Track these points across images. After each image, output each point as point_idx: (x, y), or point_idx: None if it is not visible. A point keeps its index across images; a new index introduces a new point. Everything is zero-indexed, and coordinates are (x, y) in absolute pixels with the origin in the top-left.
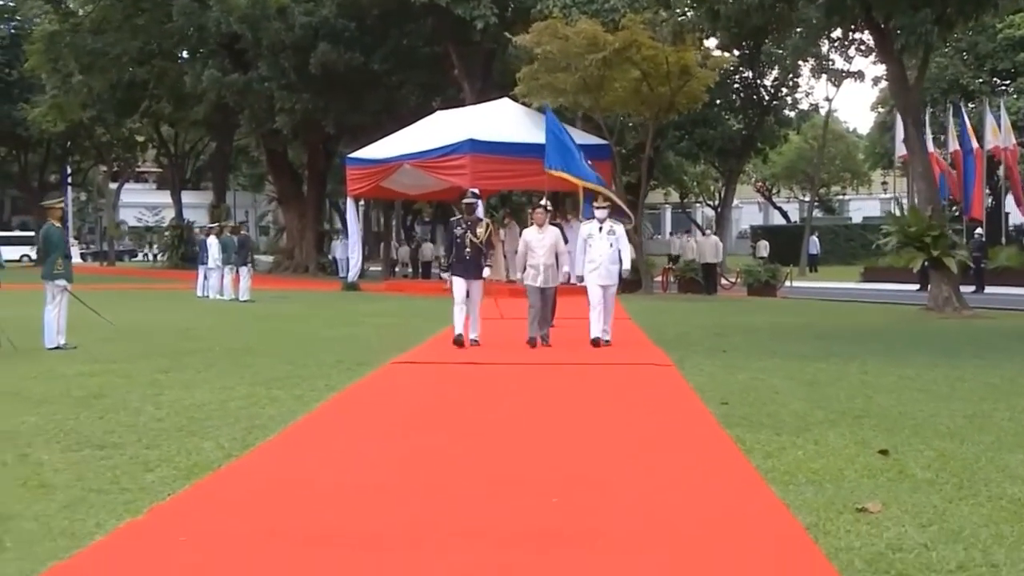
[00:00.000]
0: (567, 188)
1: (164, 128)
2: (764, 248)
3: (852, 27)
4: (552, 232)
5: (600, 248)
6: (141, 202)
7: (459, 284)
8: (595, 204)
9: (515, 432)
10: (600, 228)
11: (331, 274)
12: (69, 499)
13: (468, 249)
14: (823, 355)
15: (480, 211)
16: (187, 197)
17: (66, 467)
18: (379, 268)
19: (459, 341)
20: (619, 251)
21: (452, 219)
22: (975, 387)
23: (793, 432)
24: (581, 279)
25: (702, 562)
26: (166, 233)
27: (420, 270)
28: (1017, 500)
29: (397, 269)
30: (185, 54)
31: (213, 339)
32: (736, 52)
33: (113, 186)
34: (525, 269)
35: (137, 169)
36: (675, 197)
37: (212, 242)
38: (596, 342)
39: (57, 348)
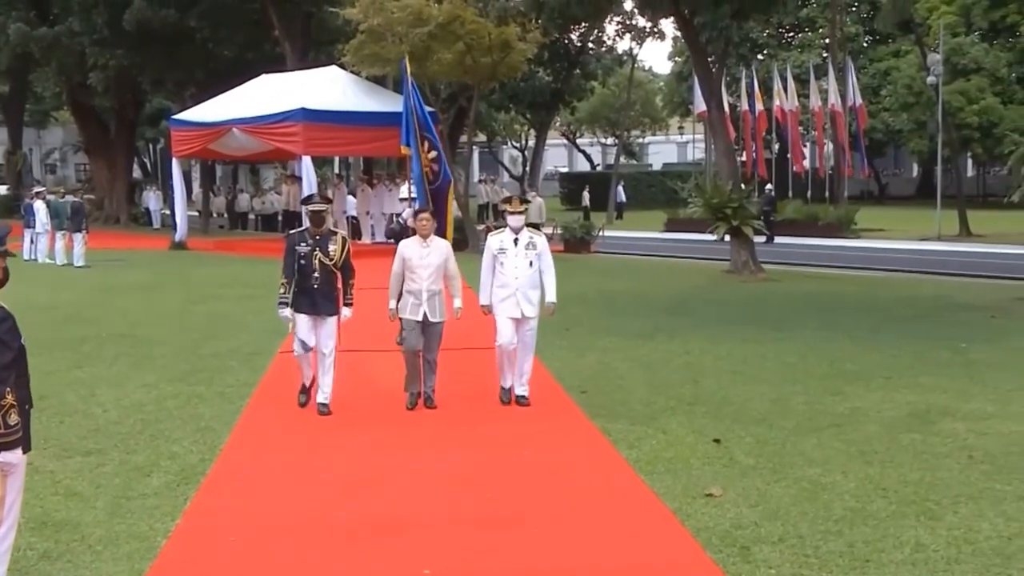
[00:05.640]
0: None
1: None
2: (587, 198)
3: (662, 16)
4: (440, 246)
5: (516, 267)
6: None
7: (304, 324)
8: (509, 209)
9: (414, 429)
10: (515, 240)
11: (144, 225)
12: (107, 506)
13: (317, 275)
14: (650, 331)
15: (331, 221)
16: None
17: (75, 475)
18: (193, 213)
19: (305, 402)
20: (540, 272)
21: (290, 232)
22: (776, 367)
23: (644, 421)
24: (488, 310)
25: (606, 541)
26: None
27: (237, 222)
28: (814, 481)
29: (212, 216)
30: None
31: (90, 322)
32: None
33: None
34: (400, 297)
35: None
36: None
37: (40, 207)
38: (519, 400)
39: None
